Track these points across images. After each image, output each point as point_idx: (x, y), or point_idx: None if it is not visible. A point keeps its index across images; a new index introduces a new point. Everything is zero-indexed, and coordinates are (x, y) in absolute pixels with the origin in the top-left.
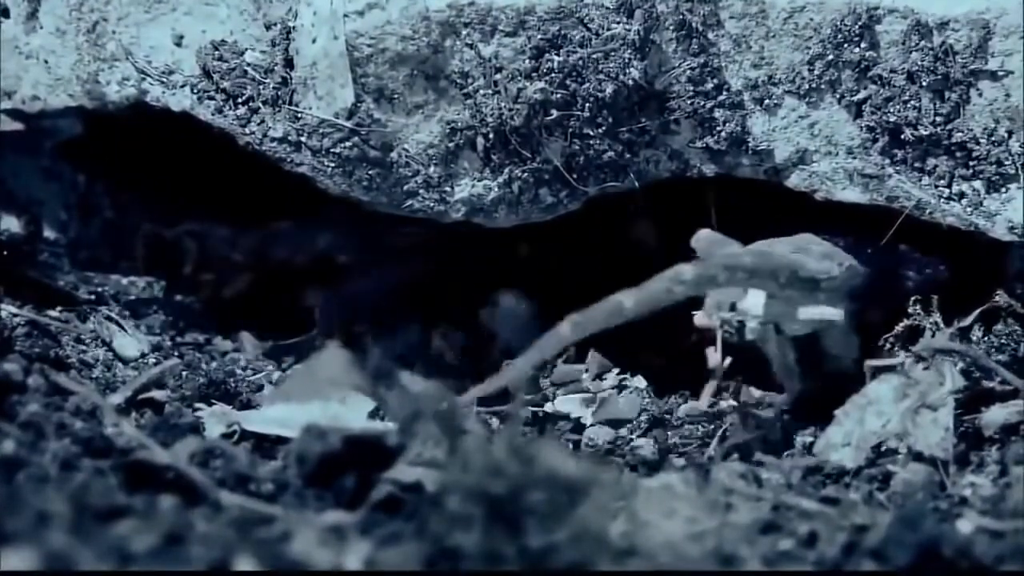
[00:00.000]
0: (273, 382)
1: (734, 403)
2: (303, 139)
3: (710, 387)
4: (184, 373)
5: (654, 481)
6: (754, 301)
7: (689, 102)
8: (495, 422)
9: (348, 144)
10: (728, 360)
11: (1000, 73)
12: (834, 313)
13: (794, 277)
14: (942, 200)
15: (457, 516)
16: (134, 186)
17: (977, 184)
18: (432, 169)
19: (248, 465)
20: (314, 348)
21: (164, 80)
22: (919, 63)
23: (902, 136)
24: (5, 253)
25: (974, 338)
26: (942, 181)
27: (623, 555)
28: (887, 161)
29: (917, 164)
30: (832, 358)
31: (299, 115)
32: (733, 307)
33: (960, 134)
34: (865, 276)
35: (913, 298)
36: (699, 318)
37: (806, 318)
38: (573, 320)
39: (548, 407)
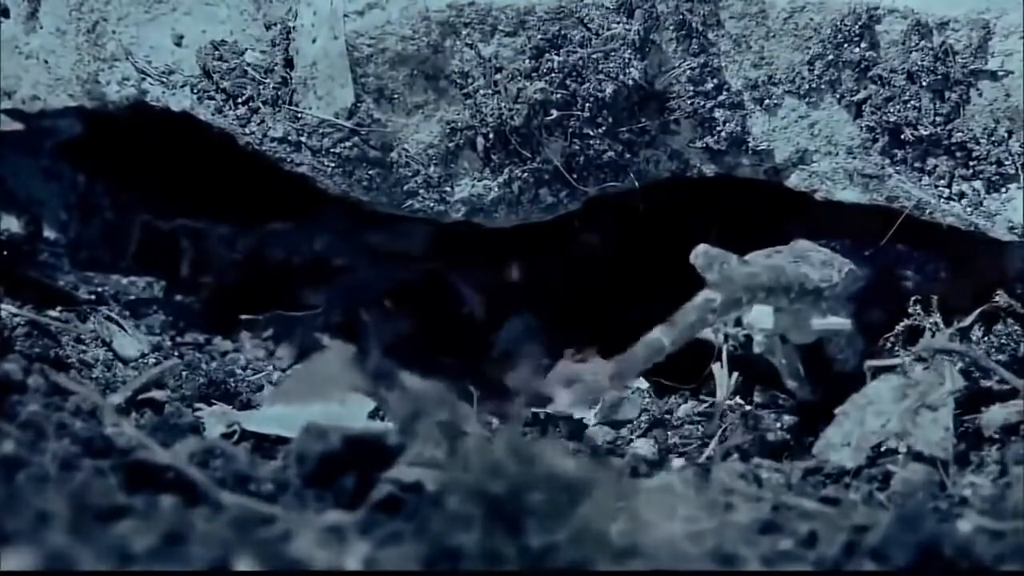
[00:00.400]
0: (273, 382)
1: (740, 402)
2: (303, 139)
3: (719, 405)
4: (184, 373)
5: (654, 481)
6: (761, 315)
7: (689, 102)
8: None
9: (348, 144)
10: (735, 375)
11: (1000, 73)
12: (843, 323)
13: (802, 290)
14: (942, 200)
15: (457, 516)
16: (134, 186)
17: (977, 184)
18: (432, 169)
19: (248, 465)
20: (315, 327)
21: (164, 80)
22: (919, 63)
23: (902, 136)
24: (5, 253)
25: (974, 338)
26: (942, 181)
27: (623, 555)
28: (887, 161)
29: (917, 164)
30: (838, 361)
31: (299, 115)
32: (738, 322)
33: (960, 134)
34: (865, 279)
35: (913, 298)
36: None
37: (816, 329)
38: (614, 374)
39: (549, 408)
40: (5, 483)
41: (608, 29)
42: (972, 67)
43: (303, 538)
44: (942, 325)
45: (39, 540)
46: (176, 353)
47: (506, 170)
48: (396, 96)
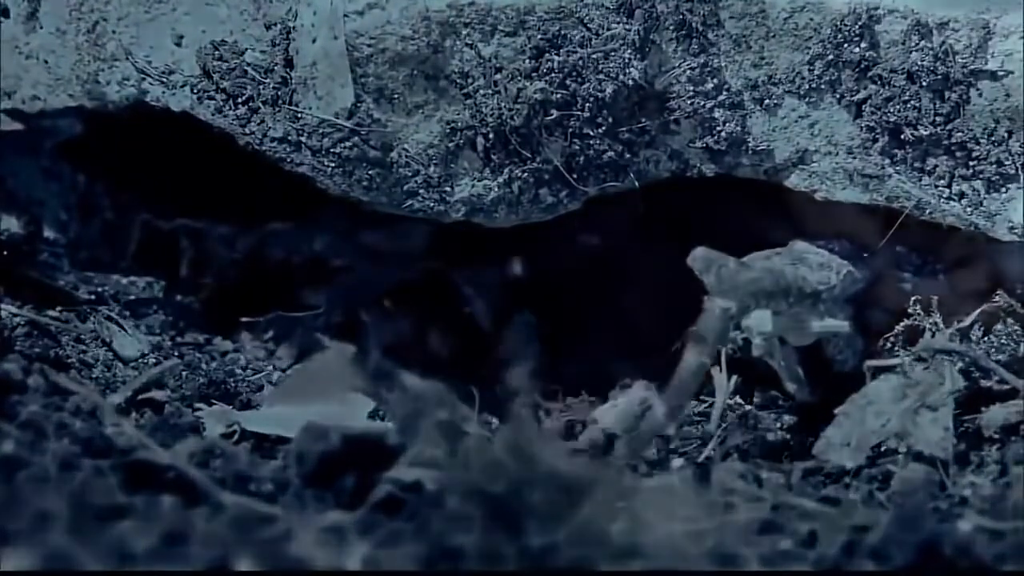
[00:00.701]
0: (273, 382)
1: (740, 402)
2: (303, 139)
3: (718, 408)
4: (184, 373)
5: (654, 481)
6: (760, 319)
7: (689, 102)
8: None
9: (348, 144)
10: (735, 379)
11: (1000, 73)
12: (841, 325)
13: (801, 293)
14: (942, 200)
15: (457, 516)
16: (134, 186)
17: (977, 184)
18: (432, 169)
19: (248, 465)
20: (315, 327)
21: (164, 80)
22: (919, 63)
23: (902, 136)
24: (5, 253)
25: (974, 338)
26: (942, 181)
27: (623, 555)
28: (887, 161)
29: (917, 164)
30: (838, 362)
31: (299, 115)
32: (737, 325)
33: (960, 134)
34: (864, 280)
35: (913, 298)
36: None
37: (815, 331)
38: (669, 411)
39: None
40: (5, 483)
41: (608, 29)
42: (972, 67)
43: (303, 538)
44: (942, 325)
45: (39, 540)
46: (176, 353)
47: (506, 170)
48: (396, 96)
